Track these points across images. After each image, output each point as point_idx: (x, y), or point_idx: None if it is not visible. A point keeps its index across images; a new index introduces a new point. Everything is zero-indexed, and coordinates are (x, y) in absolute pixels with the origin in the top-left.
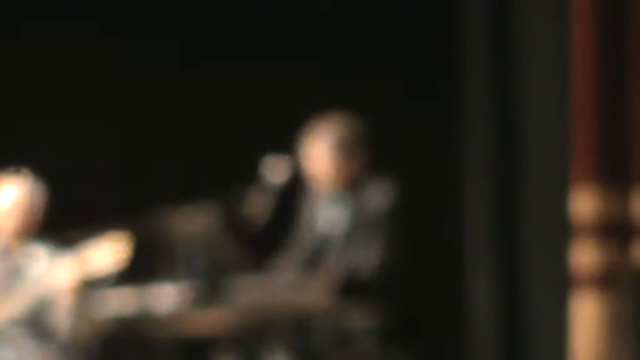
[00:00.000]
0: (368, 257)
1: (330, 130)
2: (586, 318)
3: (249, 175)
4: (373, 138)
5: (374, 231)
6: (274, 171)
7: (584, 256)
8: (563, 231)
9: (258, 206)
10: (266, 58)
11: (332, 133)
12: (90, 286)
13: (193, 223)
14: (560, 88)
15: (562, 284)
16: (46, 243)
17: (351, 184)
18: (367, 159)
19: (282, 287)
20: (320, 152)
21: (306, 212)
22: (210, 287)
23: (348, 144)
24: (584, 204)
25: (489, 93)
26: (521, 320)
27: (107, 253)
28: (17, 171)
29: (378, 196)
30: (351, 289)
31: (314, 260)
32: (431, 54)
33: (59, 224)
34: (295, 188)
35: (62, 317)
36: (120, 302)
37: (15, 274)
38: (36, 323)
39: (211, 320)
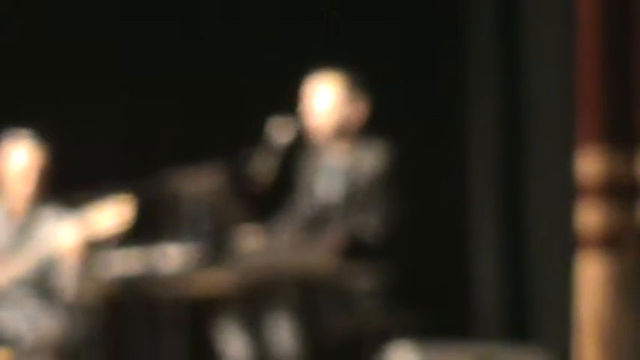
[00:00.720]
0: (370, 220)
1: (328, 83)
2: (591, 279)
3: (253, 135)
4: (371, 93)
5: (375, 194)
6: (279, 131)
7: (589, 217)
8: (568, 192)
9: (263, 166)
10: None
11: (331, 86)
12: (95, 247)
13: (198, 184)
14: (566, 48)
15: (567, 246)
16: (53, 205)
17: (351, 143)
18: (366, 113)
19: (286, 248)
20: (319, 105)
21: (307, 174)
22: (215, 248)
23: (347, 96)
24: (589, 165)
25: (494, 54)
26: (526, 281)
27: (112, 214)
28: (24, 134)
29: (378, 159)
30: (355, 251)
31: (316, 222)
32: (434, 12)
33: (65, 187)
34: (298, 150)
35: (67, 278)
36: (125, 263)
37: (24, 237)
38: (42, 284)
39: (216, 281)
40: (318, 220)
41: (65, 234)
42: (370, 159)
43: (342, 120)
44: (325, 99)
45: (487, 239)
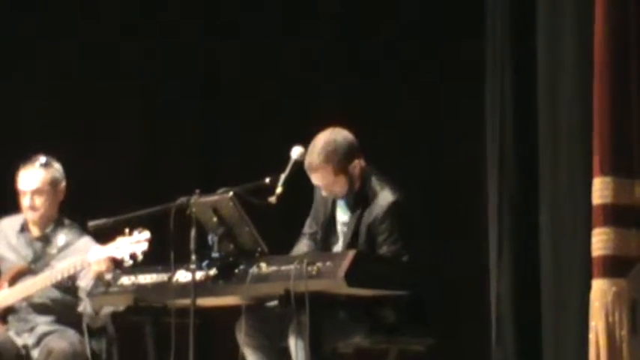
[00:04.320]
0: (384, 248)
1: (319, 168)
2: (604, 304)
3: (269, 162)
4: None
5: (385, 226)
6: (298, 155)
7: (603, 243)
8: (583, 219)
9: (279, 187)
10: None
11: (322, 171)
12: (112, 270)
13: (215, 206)
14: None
15: (582, 272)
16: (69, 227)
17: (354, 187)
18: (363, 165)
19: (300, 272)
20: (319, 183)
21: (320, 199)
22: (229, 272)
23: (340, 168)
24: (602, 193)
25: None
26: (542, 309)
27: (132, 242)
28: (39, 157)
29: (386, 200)
30: (367, 275)
31: (327, 247)
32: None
33: (82, 210)
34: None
35: (83, 297)
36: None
37: (39, 256)
38: (56, 303)
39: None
40: (330, 244)
41: (88, 257)
42: (375, 210)
43: (344, 187)
44: (321, 181)
45: (503, 267)
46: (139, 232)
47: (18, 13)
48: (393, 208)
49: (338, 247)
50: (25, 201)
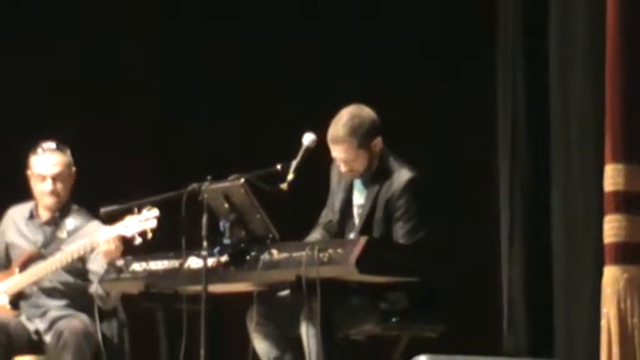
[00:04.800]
0: (397, 232)
1: (341, 141)
2: (616, 292)
3: (282, 149)
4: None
5: (400, 210)
6: (309, 141)
7: (613, 229)
8: (594, 207)
9: (290, 174)
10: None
11: (344, 144)
12: (124, 249)
13: (226, 192)
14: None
15: (594, 260)
16: (80, 212)
17: (376, 172)
18: (381, 146)
19: (311, 258)
20: (340, 158)
21: (336, 186)
22: (240, 259)
23: (361, 144)
24: (613, 181)
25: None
26: (554, 297)
27: (139, 221)
28: (51, 143)
29: (402, 182)
30: (378, 261)
31: (341, 232)
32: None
33: (93, 197)
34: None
35: (93, 280)
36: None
37: (51, 241)
38: (68, 287)
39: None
40: (344, 230)
41: (98, 237)
42: (392, 187)
43: (363, 164)
44: (343, 155)
45: (515, 254)
46: (148, 210)
47: None
48: (410, 185)
49: (353, 230)
50: (45, 186)
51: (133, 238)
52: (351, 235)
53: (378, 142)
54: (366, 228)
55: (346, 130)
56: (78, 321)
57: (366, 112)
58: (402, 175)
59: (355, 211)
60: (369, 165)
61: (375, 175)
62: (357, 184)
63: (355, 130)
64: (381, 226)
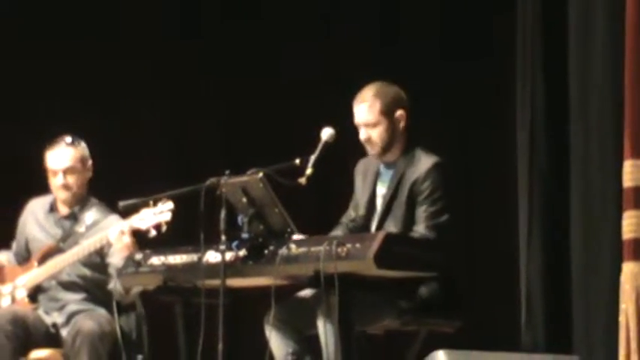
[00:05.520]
0: (419, 227)
1: (366, 101)
2: (634, 288)
3: (300, 143)
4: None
5: (426, 184)
6: (328, 136)
7: (632, 225)
8: (613, 203)
9: (309, 168)
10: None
11: (369, 104)
12: (141, 242)
13: (245, 186)
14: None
15: (612, 256)
16: (97, 205)
17: (399, 154)
18: (407, 119)
19: (329, 253)
20: (362, 121)
21: (360, 184)
22: (259, 249)
23: (387, 109)
24: (632, 176)
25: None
26: (572, 292)
27: (155, 213)
28: (68, 136)
29: (424, 170)
30: (397, 256)
31: (364, 227)
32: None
33: (112, 191)
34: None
35: (111, 273)
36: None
37: (68, 235)
38: (85, 281)
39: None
40: (366, 224)
41: (112, 229)
42: (417, 170)
43: (384, 136)
44: (364, 115)
45: (533, 249)
46: (163, 203)
47: None
48: (436, 169)
49: (376, 216)
50: (57, 180)
51: (147, 231)
52: (374, 222)
53: (401, 116)
54: (388, 211)
55: (371, 91)
56: (94, 320)
57: (394, 86)
58: (428, 160)
59: (379, 201)
60: (390, 141)
61: (400, 161)
62: (382, 177)
63: (380, 93)
64: (402, 209)
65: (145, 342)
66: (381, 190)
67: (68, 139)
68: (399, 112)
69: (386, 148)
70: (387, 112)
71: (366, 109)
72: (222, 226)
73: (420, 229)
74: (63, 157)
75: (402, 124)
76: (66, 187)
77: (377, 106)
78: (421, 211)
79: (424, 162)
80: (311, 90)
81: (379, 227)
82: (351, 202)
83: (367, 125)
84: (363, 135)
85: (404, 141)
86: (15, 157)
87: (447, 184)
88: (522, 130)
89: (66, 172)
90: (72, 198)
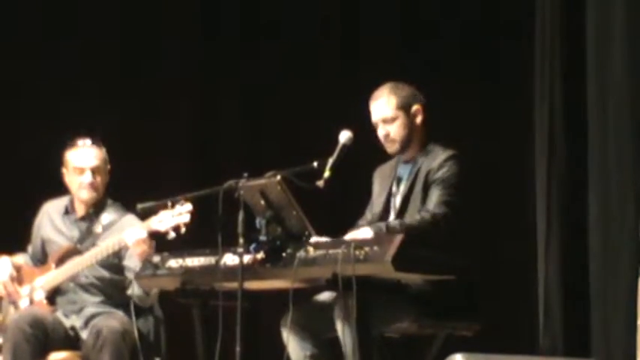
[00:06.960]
0: (430, 199)
1: (382, 99)
2: None
3: (318, 146)
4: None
5: (442, 172)
6: (346, 139)
7: None
8: (632, 201)
9: (327, 171)
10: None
11: (385, 101)
12: (159, 245)
13: (263, 189)
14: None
15: (631, 259)
16: (115, 207)
17: (416, 152)
18: (424, 115)
19: (347, 256)
20: (379, 119)
21: (378, 188)
22: (277, 251)
23: (402, 105)
24: None
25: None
26: (591, 296)
27: (172, 215)
28: (87, 139)
29: (439, 164)
30: (415, 259)
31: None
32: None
33: (130, 194)
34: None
35: (130, 275)
36: (188, 262)
37: (86, 237)
38: (103, 282)
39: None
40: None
41: (129, 231)
42: (434, 162)
43: (402, 132)
44: (381, 111)
45: (552, 252)
46: (181, 205)
47: None
48: (452, 158)
49: (393, 210)
50: (84, 177)
51: (166, 233)
52: (392, 215)
53: (418, 111)
54: (406, 202)
55: (387, 89)
56: (116, 320)
57: (408, 85)
58: (446, 153)
59: (397, 198)
60: (408, 136)
61: (419, 157)
62: (400, 177)
63: (395, 89)
64: (419, 199)
65: (162, 344)
66: (399, 188)
67: (89, 140)
68: (415, 107)
69: (404, 145)
70: (404, 107)
71: (383, 105)
72: (240, 228)
73: (429, 206)
74: (90, 155)
75: (418, 120)
76: (93, 186)
77: (393, 101)
78: (432, 195)
79: (441, 155)
80: (330, 92)
81: (398, 217)
82: (368, 205)
83: (385, 121)
84: (381, 132)
85: (422, 138)
86: (30, 160)
87: (462, 174)
88: (540, 132)
89: (94, 170)
90: (94, 199)
